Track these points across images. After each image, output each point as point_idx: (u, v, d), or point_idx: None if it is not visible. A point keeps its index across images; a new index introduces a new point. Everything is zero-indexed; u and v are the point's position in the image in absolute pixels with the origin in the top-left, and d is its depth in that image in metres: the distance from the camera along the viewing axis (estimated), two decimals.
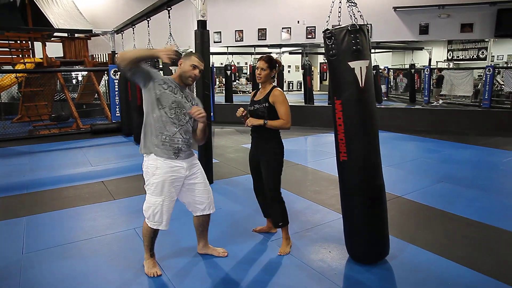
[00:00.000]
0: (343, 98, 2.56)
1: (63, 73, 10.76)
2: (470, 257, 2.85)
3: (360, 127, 2.57)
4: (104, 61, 11.51)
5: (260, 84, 2.97)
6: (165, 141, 2.45)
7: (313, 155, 6.71)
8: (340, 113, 2.58)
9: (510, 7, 8.10)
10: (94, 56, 11.72)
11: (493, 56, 14.10)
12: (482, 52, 14.37)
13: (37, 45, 10.43)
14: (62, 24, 9.96)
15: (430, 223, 3.55)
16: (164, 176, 2.46)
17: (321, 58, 18.08)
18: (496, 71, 11.17)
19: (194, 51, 4.45)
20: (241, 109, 2.83)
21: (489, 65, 10.25)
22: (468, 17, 8.42)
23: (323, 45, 2.63)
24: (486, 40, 11.83)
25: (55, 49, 11.37)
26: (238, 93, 18.46)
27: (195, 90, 4.70)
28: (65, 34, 10.76)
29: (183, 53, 2.69)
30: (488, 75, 9.99)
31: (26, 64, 9.69)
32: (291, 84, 20.70)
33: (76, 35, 10.81)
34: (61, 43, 11.06)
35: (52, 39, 10.95)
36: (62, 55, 11.13)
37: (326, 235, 3.27)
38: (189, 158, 2.60)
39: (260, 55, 3.01)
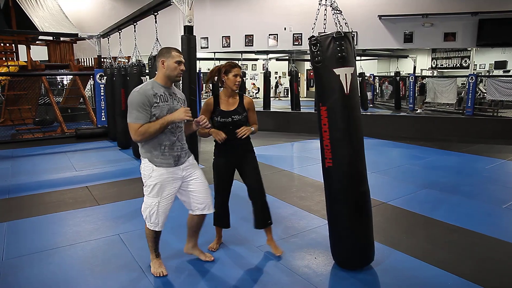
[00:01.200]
0: (328, 104, 2.58)
1: (47, 76, 10.61)
2: (453, 263, 2.89)
3: (345, 134, 2.59)
4: (90, 65, 11.40)
5: (230, 91, 2.86)
6: (165, 151, 2.47)
7: (299, 161, 6.73)
8: (325, 120, 2.60)
9: (490, 18, 8.32)
10: (80, 60, 11.60)
11: (476, 64, 14.44)
12: (465, 61, 14.70)
13: (21, 48, 10.28)
14: (47, 28, 9.85)
15: (415, 229, 3.58)
16: (160, 178, 2.47)
17: (307, 65, 18.24)
18: (479, 80, 11.42)
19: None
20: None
21: (472, 73, 10.47)
22: (451, 27, 8.62)
23: (309, 52, 2.65)
24: (469, 49, 12.11)
25: (39, 53, 11.23)
26: None
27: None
28: (50, 38, 10.63)
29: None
30: (471, 83, 10.20)
31: (10, 67, 9.53)
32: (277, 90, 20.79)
33: (61, 38, 10.69)
34: (46, 47, 10.92)
35: (37, 42, 10.81)
36: (47, 59, 10.99)
37: (311, 241, 3.27)
38: (187, 160, 2.61)
39: (247, 61, 2.99)
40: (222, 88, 2.95)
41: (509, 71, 14.58)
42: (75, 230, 3.54)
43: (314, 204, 4.22)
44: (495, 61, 15.04)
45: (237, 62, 2.94)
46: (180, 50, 4.56)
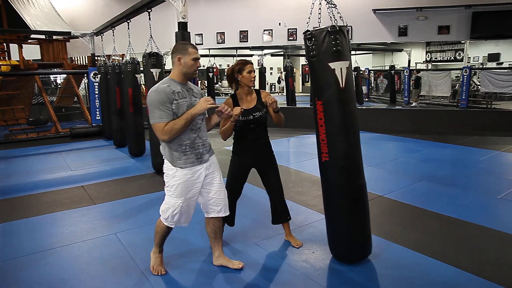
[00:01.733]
0: (324, 98, 2.57)
1: (41, 76, 10.53)
2: (450, 254, 2.90)
3: (341, 128, 2.58)
4: (84, 63, 11.32)
5: (247, 89, 2.85)
6: (186, 150, 2.41)
7: (295, 157, 6.73)
8: (321, 114, 2.60)
9: (484, 10, 8.33)
10: (73, 58, 11.51)
11: (469, 57, 14.45)
12: (459, 54, 14.71)
13: (13, 47, 10.18)
14: (39, 26, 9.75)
15: (412, 221, 3.60)
16: (184, 178, 2.41)
17: (303, 60, 18.14)
18: (473, 72, 11.46)
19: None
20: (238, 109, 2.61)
21: (466, 66, 10.50)
22: (445, 20, 8.63)
23: (304, 47, 2.64)
24: (463, 42, 12.12)
25: (32, 51, 11.12)
26: (220, 95, 18.44)
27: None
28: (43, 36, 10.54)
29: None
30: (465, 76, 10.24)
31: (2, 66, 9.44)
32: (273, 86, 20.79)
33: (54, 37, 10.60)
34: (38, 45, 10.82)
35: (29, 41, 10.71)
36: (40, 58, 10.89)
37: (309, 236, 3.28)
38: (210, 158, 2.56)
39: (241, 58, 2.99)
40: (238, 88, 2.90)
41: (502, 63, 14.63)
42: (71, 230, 3.52)
43: (311, 198, 4.23)
44: (488, 54, 15.07)
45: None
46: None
